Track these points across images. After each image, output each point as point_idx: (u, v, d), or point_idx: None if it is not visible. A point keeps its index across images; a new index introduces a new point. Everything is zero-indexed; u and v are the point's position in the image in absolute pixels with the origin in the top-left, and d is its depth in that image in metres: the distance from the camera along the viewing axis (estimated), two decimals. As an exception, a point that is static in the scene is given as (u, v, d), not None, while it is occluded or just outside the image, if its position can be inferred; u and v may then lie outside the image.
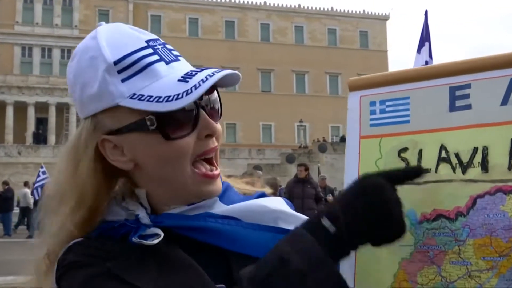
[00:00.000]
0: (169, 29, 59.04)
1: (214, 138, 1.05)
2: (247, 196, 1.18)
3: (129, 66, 1.00)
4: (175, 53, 1.06)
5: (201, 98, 1.00)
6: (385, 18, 69.22)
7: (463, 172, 0.87)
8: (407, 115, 0.93)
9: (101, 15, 58.38)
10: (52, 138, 51.21)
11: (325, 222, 0.85)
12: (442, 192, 0.88)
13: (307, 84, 64.41)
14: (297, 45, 64.94)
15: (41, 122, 53.72)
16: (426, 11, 6.10)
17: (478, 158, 0.87)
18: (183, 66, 1.04)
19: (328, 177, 17.03)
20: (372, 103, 0.97)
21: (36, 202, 19.72)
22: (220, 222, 1.05)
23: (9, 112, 51.75)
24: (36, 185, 18.37)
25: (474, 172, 0.87)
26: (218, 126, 1.05)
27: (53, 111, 52.38)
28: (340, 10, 67.88)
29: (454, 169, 0.88)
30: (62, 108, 52.83)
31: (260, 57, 62.09)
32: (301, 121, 54.48)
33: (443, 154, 0.89)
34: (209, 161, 1.05)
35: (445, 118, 0.90)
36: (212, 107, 1.05)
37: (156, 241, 0.97)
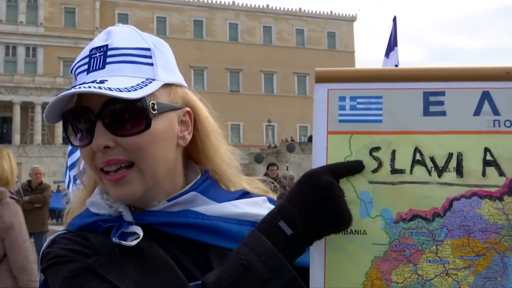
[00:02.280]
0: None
1: (109, 151, 1.04)
2: (231, 192, 1.20)
3: (71, 73, 1.13)
4: (111, 59, 1.07)
5: (93, 112, 1.03)
6: (352, 19, 69.95)
7: (439, 175, 0.90)
8: (380, 115, 0.93)
9: (67, 13, 57.59)
10: (16, 138, 50.30)
11: (283, 225, 0.89)
12: (418, 193, 0.90)
13: (276, 84, 64.68)
14: (266, 45, 65.13)
15: (5, 121, 52.76)
16: (395, 17, 6.23)
17: (453, 163, 0.90)
18: (97, 75, 1.06)
19: (296, 176, 17.16)
20: (342, 98, 0.95)
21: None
22: (200, 217, 1.09)
23: (-28, 111, 50.69)
24: None
25: (450, 176, 0.90)
26: (100, 142, 1.02)
27: (18, 110, 51.44)
28: (308, 10, 68.33)
29: (429, 172, 0.90)
30: (27, 107, 51.92)
31: (229, 57, 62.10)
32: (269, 121, 54.63)
33: (418, 157, 0.91)
34: (112, 172, 1.05)
35: (419, 121, 0.92)
36: (113, 119, 1.04)
37: (134, 243, 1.02)
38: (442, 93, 0.92)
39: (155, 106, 1.05)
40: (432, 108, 0.92)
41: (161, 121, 1.07)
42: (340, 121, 0.94)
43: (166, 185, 1.11)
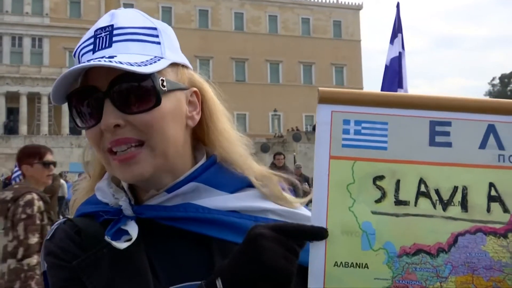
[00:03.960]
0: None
1: (118, 131, 1.01)
2: (238, 179, 1.13)
3: (74, 56, 1.10)
4: (118, 38, 1.04)
5: (101, 91, 1.00)
6: (358, 7, 69.59)
7: (444, 209, 0.88)
8: (385, 142, 0.90)
9: (72, 3, 57.58)
10: (23, 129, 50.47)
11: (219, 283, 0.87)
12: (423, 226, 0.88)
13: (281, 73, 64.53)
14: (271, 35, 64.88)
15: (12, 112, 52.88)
16: (398, 4, 6.27)
17: (458, 197, 0.88)
18: (104, 53, 1.03)
19: (302, 166, 17.19)
20: (346, 122, 0.90)
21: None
22: (201, 211, 1.06)
23: (-21, 102, 50.90)
24: (15, 174, 18.36)
25: (455, 210, 0.88)
26: (110, 120, 0.99)
27: (24, 101, 51.57)
28: (314, -1, 68.09)
29: (434, 205, 0.88)
30: (34, 98, 52.04)
31: (234, 46, 61.96)
32: (275, 111, 54.63)
33: (423, 188, 0.89)
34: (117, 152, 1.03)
35: (424, 151, 0.89)
36: (122, 97, 1.01)
37: (123, 246, 1.00)
38: (449, 123, 0.90)
39: (164, 83, 1.03)
40: (438, 139, 0.90)
41: (170, 99, 1.04)
42: (344, 145, 0.90)
43: (174, 167, 1.08)
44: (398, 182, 0.89)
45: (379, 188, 0.89)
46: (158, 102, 1.01)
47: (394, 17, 6.24)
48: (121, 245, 1.00)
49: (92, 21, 55.83)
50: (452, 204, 0.88)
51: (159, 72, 1.03)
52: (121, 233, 1.02)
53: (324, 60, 65.17)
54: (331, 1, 68.46)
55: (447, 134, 0.90)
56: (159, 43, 1.07)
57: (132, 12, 1.12)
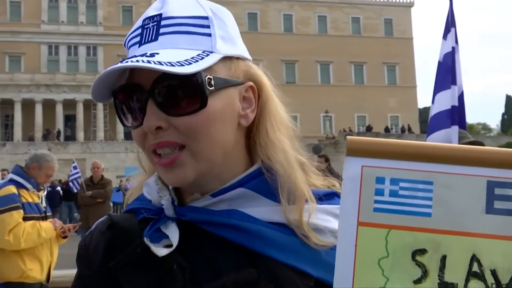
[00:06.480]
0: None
1: (161, 133, 0.93)
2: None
3: (124, 46, 1.05)
4: (165, 30, 0.96)
5: (145, 90, 0.93)
6: (410, 4, 68.33)
7: None
8: (429, 206, 0.71)
9: (124, 12, 58.97)
10: (80, 135, 51.90)
11: None
12: None
13: (332, 74, 64.04)
14: (321, 35, 64.51)
15: (69, 119, 54.47)
16: (451, -3, 6.08)
17: None
18: (148, 48, 0.96)
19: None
20: (380, 180, 0.72)
21: (71, 195, 20.73)
22: (246, 219, 0.97)
23: (38, 110, 52.60)
24: (71, 178, 19.42)
25: None
26: (151, 122, 0.92)
27: (81, 108, 52.95)
28: (363, -2, 67.23)
29: None
30: (89, 105, 53.39)
31: (284, 48, 61.91)
32: (326, 112, 54.25)
33: (475, 268, 0.70)
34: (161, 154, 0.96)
35: (479, 220, 0.70)
36: (165, 97, 0.93)
37: (163, 253, 0.94)
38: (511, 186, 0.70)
39: (212, 81, 0.93)
40: (498, 204, 0.70)
41: (219, 98, 0.95)
42: (376, 209, 0.71)
43: (222, 171, 0.99)
44: (443, 258, 0.70)
45: (420, 265, 0.70)
46: (203, 104, 0.92)
47: (446, 12, 6.04)
48: (160, 251, 0.94)
49: (144, 28, 57.34)
50: None
51: (208, 69, 0.93)
52: (160, 236, 0.96)
53: (376, 59, 64.28)
54: (381, -1, 67.52)
55: (509, 199, 0.70)
56: (209, 34, 0.98)
57: None
